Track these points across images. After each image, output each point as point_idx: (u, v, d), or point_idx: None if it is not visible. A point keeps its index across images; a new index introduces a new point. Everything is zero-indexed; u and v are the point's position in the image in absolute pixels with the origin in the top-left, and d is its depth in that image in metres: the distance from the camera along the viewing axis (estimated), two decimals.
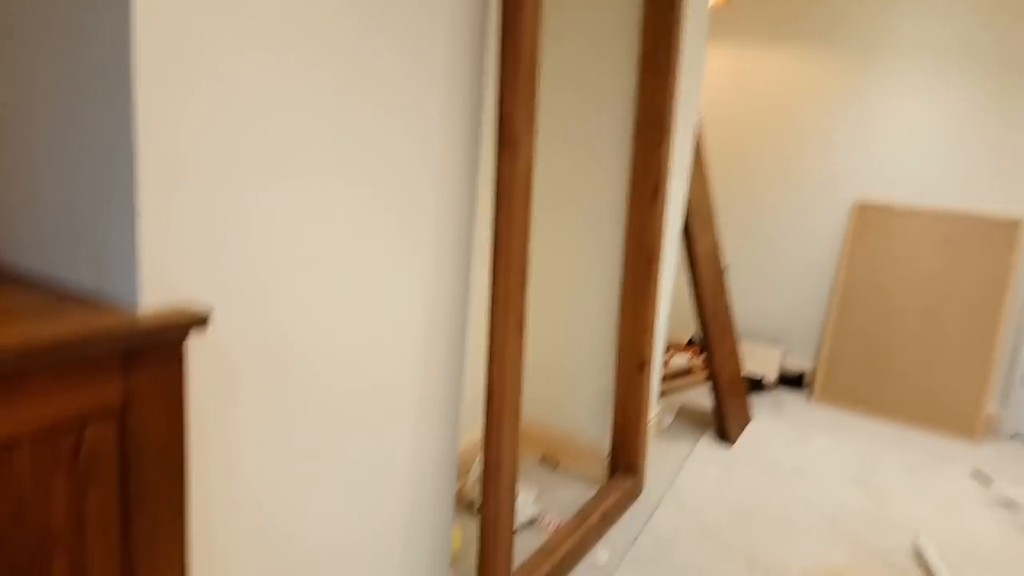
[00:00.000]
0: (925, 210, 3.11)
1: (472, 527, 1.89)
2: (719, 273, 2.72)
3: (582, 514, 1.88)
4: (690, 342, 3.61)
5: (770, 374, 3.27)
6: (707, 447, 2.57)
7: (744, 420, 2.81)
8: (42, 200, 0.81)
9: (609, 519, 1.95)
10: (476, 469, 1.99)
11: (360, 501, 1.15)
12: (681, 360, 3.32)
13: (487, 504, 1.36)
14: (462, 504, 2.01)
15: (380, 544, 1.23)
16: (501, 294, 1.25)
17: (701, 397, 3.12)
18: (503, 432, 1.32)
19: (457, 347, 1.32)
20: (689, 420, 2.83)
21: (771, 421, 2.91)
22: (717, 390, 2.60)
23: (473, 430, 2.23)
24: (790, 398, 3.25)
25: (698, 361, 3.33)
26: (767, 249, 3.56)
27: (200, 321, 0.74)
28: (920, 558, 1.94)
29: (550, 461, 2.34)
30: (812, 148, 3.38)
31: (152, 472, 0.73)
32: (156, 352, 0.71)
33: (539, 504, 2.07)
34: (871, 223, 3.22)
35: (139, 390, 0.71)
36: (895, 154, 3.21)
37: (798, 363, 3.53)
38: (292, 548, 1.04)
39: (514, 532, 1.45)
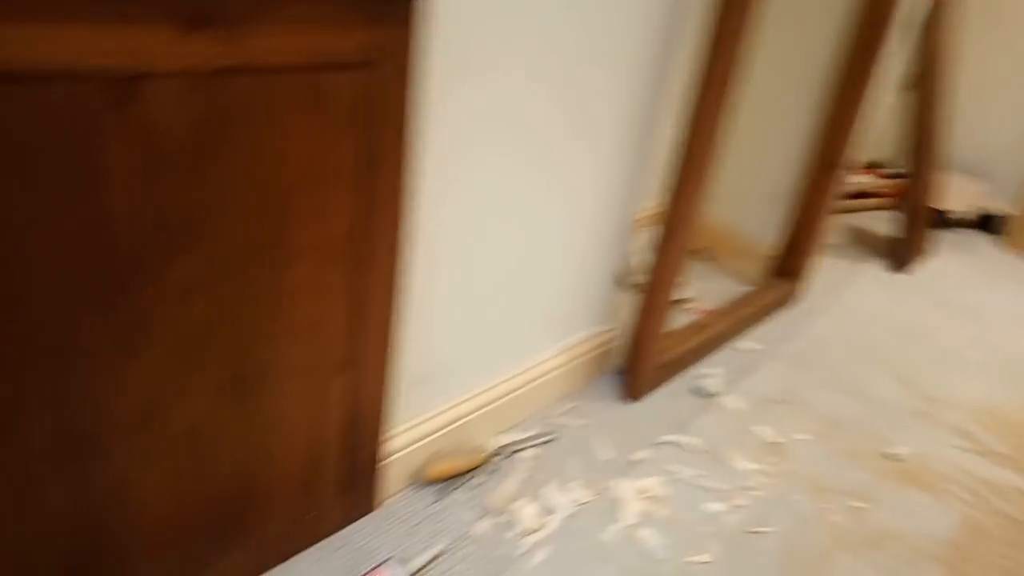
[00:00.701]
0: None
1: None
2: (944, 82, 2.34)
3: (735, 304, 1.85)
4: (871, 164, 3.25)
5: (963, 211, 2.93)
6: (877, 271, 2.40)
7: (923, 253, 2.58)
8: None
9: (761, 315, 1.92)
10: (638, 240, 1.96)
11: (549, 228, 1.17)
12: (861, 180, 3.02)
13: (659, 259, 1.35)
14: None
15: (557, 280, 1.26)
16: (723, 31, 1.12)
17: (874, 222, 2.87)
18: (688, 189, 1.26)
19: (655, 101, 1.22)
20: (859, 243, 2.64)
21: (955, 259, 2.65)
22: (904, 215, 2.36)
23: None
24: (980, 241, 2.92)
25: (881, 184, 3.02)
26: (1000, 64, 2.99)
27: None
28: None
29: (706, 255, 2.28)
30: None
31: (387, 133, 0.74)
32: (393, 11, 0.68)
33: (690, 290, 2.06)
34: None
35: (378, 49, 0.69)
36: None
37: (999, 205, 3.12)
38: (485, 253, 1.08)
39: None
